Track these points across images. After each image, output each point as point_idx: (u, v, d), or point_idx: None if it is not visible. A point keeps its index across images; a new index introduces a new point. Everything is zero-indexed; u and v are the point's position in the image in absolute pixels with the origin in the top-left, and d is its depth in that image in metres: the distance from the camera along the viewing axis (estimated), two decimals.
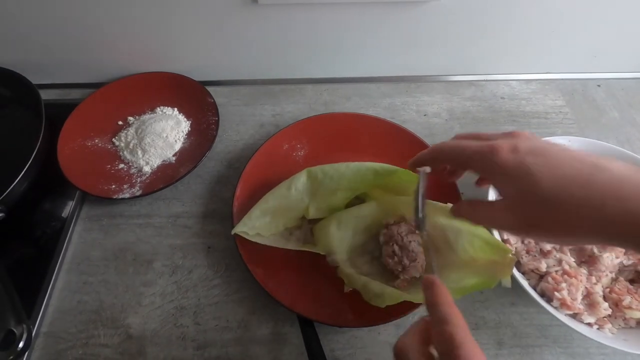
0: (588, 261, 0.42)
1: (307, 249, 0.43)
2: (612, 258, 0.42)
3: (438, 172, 0.36)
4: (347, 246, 0.43)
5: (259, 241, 0.43)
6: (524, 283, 0.40)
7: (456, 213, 0.34)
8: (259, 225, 0.44)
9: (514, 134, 0.30)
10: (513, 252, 0.38)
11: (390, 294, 0.37)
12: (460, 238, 0.39)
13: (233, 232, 0.43)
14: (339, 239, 0.43)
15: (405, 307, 0.40)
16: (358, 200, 0.47)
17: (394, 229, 0.42)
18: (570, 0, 0.54)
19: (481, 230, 0.39)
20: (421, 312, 0.43)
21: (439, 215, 0.43)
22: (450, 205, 0.42)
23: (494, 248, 0.38)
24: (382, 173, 0.43)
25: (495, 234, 0.42)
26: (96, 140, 0.56)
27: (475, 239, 0.38)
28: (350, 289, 0.41)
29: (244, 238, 0.43)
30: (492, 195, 0.45)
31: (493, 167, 0.28)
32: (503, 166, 0.27)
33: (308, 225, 0.46)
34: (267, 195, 0.45)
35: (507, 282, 0.36)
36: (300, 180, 0.44)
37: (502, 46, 0.61)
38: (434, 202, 0.43)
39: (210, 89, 0.59)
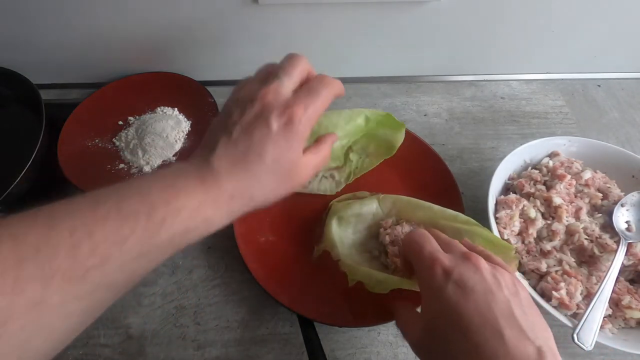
0: (588, 261, 0.42)
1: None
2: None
3: None
4: (347, 243, 0.43)
5: None
6: (524, 283, 0.40)
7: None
8: None
9: (473, 259, 0.30)
10: (515, 251, 0.38)
11: (393, 279, 0.37)
12: (461, 238, 0.38)
13: None
14: (339, 236, 0.43)
15: None
16: (357, 198, 0.47)
17: (398, 229, 0.42)
18: (571, 0, 0.54)
19: (483, 230, 0.39)
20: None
21: (439, 217, 0.43)
22: (452, 211, 0.42)
23: (496, 246, 0.38)
24: (372, 118, 0.45)
25: (496, 232, 0.42)
26: (96, 140, 0.56)
27: (477, 238, 0.38)
28: (354, 282, 0.41)
29: (244, 238, 0.43)
30: (492, 199, 0.45)
31: (424, 277, 0.31)
32: (433, 282, 0.29)
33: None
34: None
35: None
36: None
37: (502, 46, 0.61)
38: (434, 204, 0.43)
39: (210, 89, 0.59)
